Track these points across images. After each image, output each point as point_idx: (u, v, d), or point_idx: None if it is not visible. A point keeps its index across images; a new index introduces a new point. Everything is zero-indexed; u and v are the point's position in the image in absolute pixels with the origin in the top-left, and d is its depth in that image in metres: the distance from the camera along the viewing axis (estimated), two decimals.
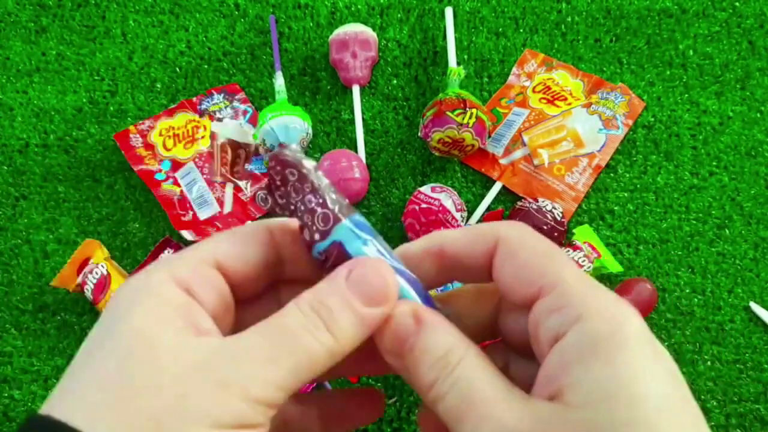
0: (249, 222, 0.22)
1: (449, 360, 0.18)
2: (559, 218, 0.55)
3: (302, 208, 0.21)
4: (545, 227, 0.54)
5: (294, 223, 0.22)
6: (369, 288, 0.18)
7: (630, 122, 0.62)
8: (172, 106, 0.64)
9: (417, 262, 0.21)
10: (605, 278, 0.57)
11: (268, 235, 0.21)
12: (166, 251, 0.55)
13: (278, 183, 0.21)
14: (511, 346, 0.22)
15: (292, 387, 0.17)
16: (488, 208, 0.60)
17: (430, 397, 0.18)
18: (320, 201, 0.20)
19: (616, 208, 0.60)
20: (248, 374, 0.17)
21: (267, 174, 0.21)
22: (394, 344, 0.19)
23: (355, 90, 0.63)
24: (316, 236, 0.20)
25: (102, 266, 0.54)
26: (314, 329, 0.18)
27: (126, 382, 0.16)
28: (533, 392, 0.18)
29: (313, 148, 0.63)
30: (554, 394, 0.17)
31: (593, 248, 0.55)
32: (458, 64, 0.64)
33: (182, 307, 0.18)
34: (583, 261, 0.54)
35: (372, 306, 0.18)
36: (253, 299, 0.22)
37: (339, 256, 0.20)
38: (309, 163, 0.21)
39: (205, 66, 0.67)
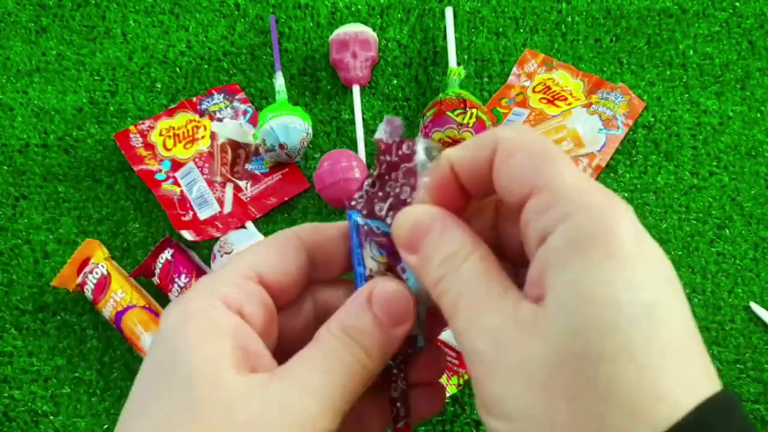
0: (278, 232, 0.22)
1: (456, 258, 0.18)
2: None
3: (395, 197, 0.21)
4: None
5: (323, 226, 0.23)
6: (393, 308, 0.20)
7: (630, 122, 0.62)
8: (172, 106, 0.64)
9: (441, 190, 0.21)
10: None
11: (299, 241, 0.22)
12: (166, 250, 0.55)
13: (384, 169, 0.22)
14: (511, 256, 0.21)
15: (346, 410, 0.19)
16: None
17: (435, 292, 0.19)
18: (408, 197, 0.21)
19: None
20: (310, 411, 0.18)
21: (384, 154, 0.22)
22: (411, 237, 0.19)
23: (355, 90, 0.63)
24: None
25: (102, 266, 0.54)
26: (353, 351, 0.19)
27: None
28: (524, 294, 0.17)
29: (313, 148, 0.63)
30: (538, 297, 0.16)
31: None
32: (458, 64, 0.64)
33: (236, 334, 0.19)
34: None
35: (396, 327, 0.20)
36: (289, 304, 0.23)
37: None
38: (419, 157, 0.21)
39: (205, 66, 0.67)
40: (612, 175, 0.61)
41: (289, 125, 0.57)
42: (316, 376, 0.18)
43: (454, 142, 0.57)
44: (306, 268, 0.22)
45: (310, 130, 0.60)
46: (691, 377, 0.15)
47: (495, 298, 0.17)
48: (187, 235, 0.57)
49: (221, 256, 0.53)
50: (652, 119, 0.63)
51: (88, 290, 0.53)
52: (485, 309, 0.17)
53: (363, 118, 0.63)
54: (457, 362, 0.52)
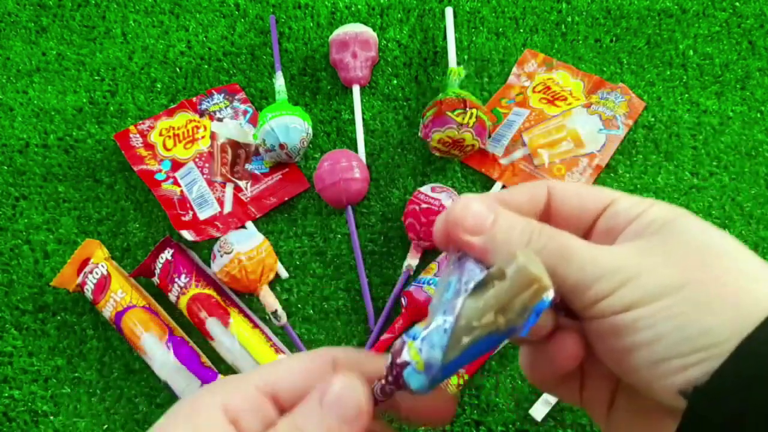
0: (317, 350, 0.22)
1: (534, 226, 0.21)
2: None
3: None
4: None
5: (365, 357, 0.22)
6: (343, 409, 0.19)
7: (630, 122, 0.62)
8: (172, 106, 0.64)
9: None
10: None
11: (331, 365, 0.22)
12: (166, 250, 0.55)
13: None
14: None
15: None
16: None
17: (528, 250, 0.20)
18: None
19: None
20: None
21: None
22: (476, 222, 0.21)
23: (355, 90, 0.63)
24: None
25: (102, 266, 0.54)
26: None
27: None
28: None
29: (313, 148, 0.63)
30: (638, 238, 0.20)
31: None
32: (458, 64, 0.64)
33: None
34: None
35: (347, 424, 0.19)
36: None
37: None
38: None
39: (205, 66, 0.67)
40: (612, 175, 0.61)
41: (289, 125, 0.57)
42: None
43: (454, 142, 0.57)
44: None
45: (310, 130, 0.60)
46: None
47: (596, 246, 0.20)
48: (187, 235, 0.57)
49: (221, 256, 0.53)
50: (652, 119, 0.63)
51: (88, 290, 0.54)
52: (596, 251, 0.20)
53: (363, 118, 0.63)
54: None
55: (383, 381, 0.20)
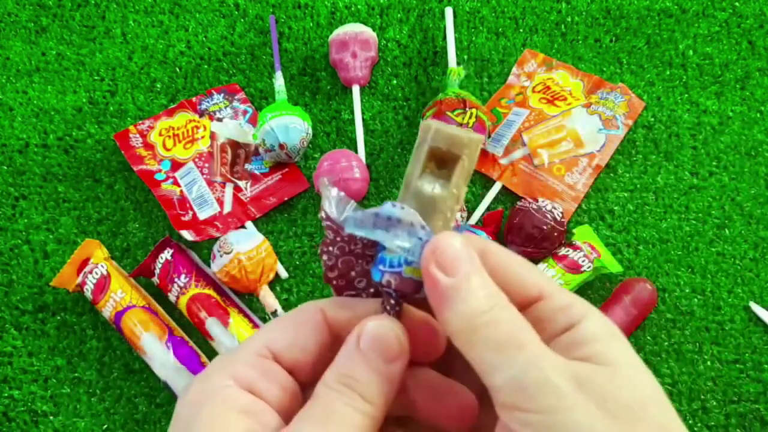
0: (303, 305, 0.22)
1: (500, 300, 0.19)
2: (559, 218, 0.55)
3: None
4: (545, 227, 0.54)
5: (351, 302, 0.22)
6: (383, 347, 0.20)
7: (630, 122, 0.62)
8: (172, 106, 0.64)
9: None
10: (605, 278, 0.57)
11: (321, 316, 0.22)
12: (166, 250, 0.55)
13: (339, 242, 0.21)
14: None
15: None
16: (488, 208, 0.60)
17: (478, 321, 0.19)
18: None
19: (616, 208, 0.60)
20: None
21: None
22: (451, 261, 0.20)
23: (355, 90, 0.63)
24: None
25: (102, 266, 0.54)
26: (350, 401, 0.19)
27: None
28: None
29: (313, 148, 0.63)
30: (578, 359, 0.19)
31: (593, 248, 0.55)
32: (458, 64, 0.64)
33: (250, 411, 0.19)
34: (583, 261, 0.54)
35: (390, 363, 0.20)
36: (316, 380, 0.22)
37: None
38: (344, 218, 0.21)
39: (205, 66, 0.67)
40: (612, 175, 0.61)
41: (288, 125, 0.57)
42: None
43: None
44: (328, 345, 0.22)
45: (310, 130, 0.60)
46: None
47: (547, 348, 0.19)
48: (187, 235, 0.57)
49: (221, 256, 0.53)
50: (652, 119, 0.63)
51: (88, 290, 0.53)
52: (545, 351, 0.19)
53: (363, 118, 0.63)
54: None
55: (386, 301, 0.21)
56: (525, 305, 0.21)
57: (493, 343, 0.18)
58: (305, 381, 0.22)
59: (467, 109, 0.56)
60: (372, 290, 0.22)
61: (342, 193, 0.21)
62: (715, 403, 0.53)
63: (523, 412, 0.18)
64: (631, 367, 0.19)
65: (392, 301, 0.21)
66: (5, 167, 0.62)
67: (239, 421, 0.18)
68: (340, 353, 0.20)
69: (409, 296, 0.21)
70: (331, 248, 0.21)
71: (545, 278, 0.21)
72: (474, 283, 0.19)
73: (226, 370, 0.20)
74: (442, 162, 0.21)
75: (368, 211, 0.20)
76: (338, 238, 0.21)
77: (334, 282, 0.22)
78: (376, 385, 0.19)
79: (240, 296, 0.57)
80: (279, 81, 0.63)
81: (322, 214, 0.21)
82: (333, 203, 0.21)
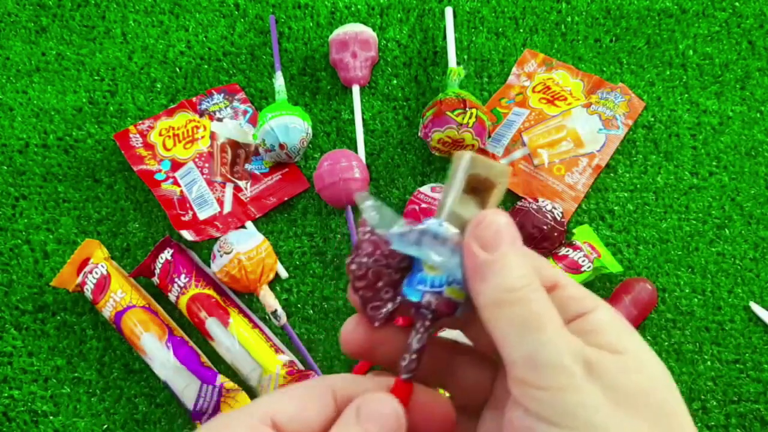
0: (312, 379, 0.23)
1: (534, 278, 0.20)
2: (559, 218, 0.55)
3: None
4: (545, 227, 0.54)
5: (361, 380, 0.22)
6: (380, 422, 0.20)
7: (630, 122, 0.62)
8: (172, 106, 0.64)
9: None
10: (605, 278, 0.57)
11: (329, 391, 0.21)
12: (166, 250, 0.55)
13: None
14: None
15: None
16: None
17: (511, 297, 0.20)
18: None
19: (616, 208, 0.60)
20: None
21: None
22: (493, 238, 0.20)
23: (355, 90, 0.63)
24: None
25: (102, 266, 0.54)
26: None
27: None
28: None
29: (313, 148, 0.63)
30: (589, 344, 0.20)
31: (593, 248, 0.55)
32: (458, 64, 0.64)
33: None
34: (583, 261, 0.54)
35: None
36: None
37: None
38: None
39: (205, 66, 0.67)
40: (612, 175, 0.61)
41: (289, 125, 0.57)
42: None
43: (454, 142, 0.57)
44: (333, 421, 0.21)
45: (310, 130, 0.60)
46: None
47: (563, 329, 0.20)
48: (187, 235, 0.57)
49: (221, 256, 0.53)
50: (652, 119, 0.63)
51: (88, 290, 0.53)
52: (564, 334, 0.19)
53: (363, 118, 0.63)
54: None
55: (411, 353, 0.21)
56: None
57: (518, 319, 0.19)
58: None
59: (467, 109, 0.56)
60: (398, 300, 0.22)
61: (383, 206, 0.21)
62: (715, 403, 0.53)
63: (534, 389, 0.19)
64: (640, 356, 0.20)
65: (427, 323, 0.21)
66: (5, 167, 0.62)
67: None
68: (336, 424, 0.20)
69: (445, 316, 0.21)
70: (365, 260, 0.21)
71: (559, 271, 0.22)
72: (511, 260, 0.20)
73: (222, 430, 0.19)
74: (474, 190, 0.22)
75: (415, 228, 0.20)
76: (378, 251, 0.21)
77: (361, 293, 0.22)
78: None
79: (240, 296, 0.57)
80: (279, 81, 0.63)
81: (366, 228, 0.21)
82: (377, 217, 0.21)
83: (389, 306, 0.22)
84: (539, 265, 0.21)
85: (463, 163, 0.21)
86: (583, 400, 0.18)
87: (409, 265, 0.22)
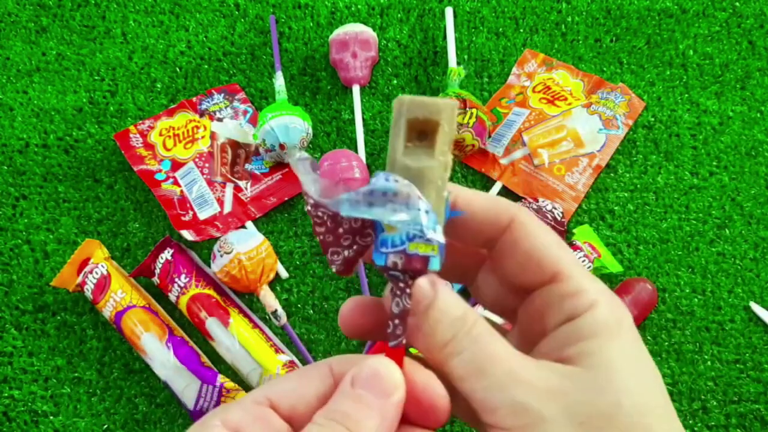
0: (313, 363, 0.23)
1: (466, 320, 0.20)
2: (559, 218, 0.55)
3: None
4: None
5: (357, 357, 0.22)
6: (374, 381, 0.19)
7: (630, 122, 0.62)
8: (172, 106, 0.64)
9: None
10: (605, 278, 0.57)
11: (327, 369, 0.21)
12: (166, 250, 0.55)
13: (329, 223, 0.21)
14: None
15: None
16: None
17: (444, 353, 0.20)
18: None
19: (616, 208, 0.60)
20: None
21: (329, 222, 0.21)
22: (414, 304, 0.20)
23: (355, 90, 0.63)
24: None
25: (102, 266, 0.54)
26: None
27: None
28: (534, 355, 0.20)
29: (313, 148, 0.63)
30: (564, 359, 0.19)
31: (593, 248, 0.55)
32: (458, 64, 0.64)
33: None
34: (583, 261, 0.54)
35: (383, 397, 0.19)
36: None
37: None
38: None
39: (205, 66, 0.67)
40: (612, 175, 0.61)
41: (289, 125, 0.57)
42: None
43: (455, 142, 0.57)
44: (331, 395, 0.21)
45: (310, 130, 0.60)
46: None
47: (519, 358, 0.19)
48: (187, 235, 0.57)
49: (221, 256, 0.53)
50: (652, 119, 0.63)
51: (88, 290, 0.53)
52: (516, 366, 0.19)
53: (363, 118, 0.63)
54: None
55: (393, 319, 0.20)
56: (538, 285, 0.21)
57: (460, 370, 0.19)
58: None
59: (467, 109, 0.56)
60: (355, 248, 0.21)
61: (318, 173, 0.20)
62: (715, 403, 0.53)
63: (501, 430, 0.19)
64: (620, 371, 0.19)
65: (401, 284, 0.20)
66: (5, 167, 0.62)
67: None
68: (333, 395, 0.20)
69: (419, 274, 0.20)
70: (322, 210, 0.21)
71: (567, 257, 0.21)
72: (431, 316, 0.20)
73: (218, 415, 0.20)
74: (422, 134, 0.21)
75: (362, 190, 0.19)
76: (330, 217, 0.21)
77: (321, 238, 0.21)
78: (366, 418, 0.19)
79: (240, 296, 0.57)
80: (279, 81, 0.63)
81: (310, 202, 0.20)
82: (318, 187, 0.20)
83: (346, 253, 0.21)
84: (540, 252, 0.20)
85: (400, 108, 0.20)
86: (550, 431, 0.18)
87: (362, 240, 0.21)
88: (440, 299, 0.20)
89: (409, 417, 0.20)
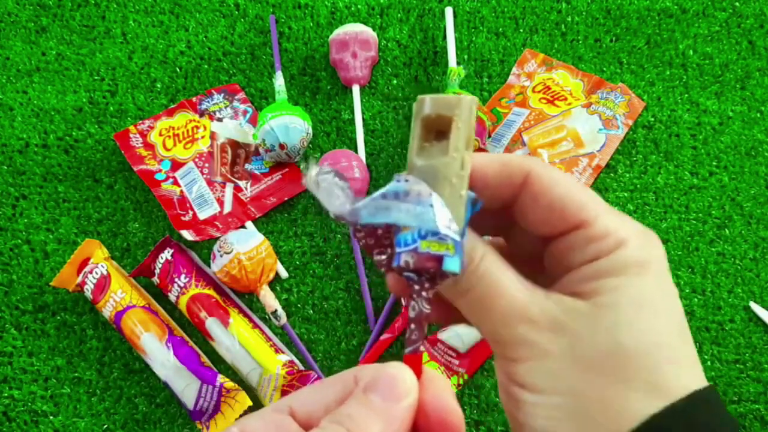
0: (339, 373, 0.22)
1: (473, 257, 0.20)
2: None
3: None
4: None
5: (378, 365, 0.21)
6: (383, 386, 0.19)
7: (630, 122, 0.62)
8: (172, 106, 0.64)
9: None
10: None
11: (351, 377, 0.21)
12: (166, 250, 0.55)
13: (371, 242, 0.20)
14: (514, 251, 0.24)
15: None
16: None
17: (452, 291, 0.20)
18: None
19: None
20: None
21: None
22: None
23: (355, 90, 0.63)
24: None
25: (102, 266, 0.54)
26: None
27: None
28: (554, 288, 0.20)
29: (313, 148, 0.63)
30: (580, 293, 0.19)
31: None
32: (458, 64, 0.64)
33: None
34: None
35: (391, 402, 0.19)
36: None
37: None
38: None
39: (205, 66, 0.67)
40: (612, 175, 0.61)
41: (289, 125, 0.57)
42: None
43: None
44: None
45: (310, 130, 0.60)
46: (696, 377, 0.19)
47: (527, 291, 0.20)
48: (187, 235, 0.57)
49: (221, 256, 0.53)
50: (652, 119, 0.63)
51: (88, 290, 0.53)
52: (522, 300, 0.19)
53: (363, 118, 0.63)
54: (457, 362, 0.52)
55: (410, 323, 0.20)
56: (565, 233, 0.21)
57: (468, 308, 0.20)
58: None
59: None
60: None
61: (338, 181, 0.20)
62: None
63: (507, 361, 0.19)
64: (627, 308, 0.18)
65: (417, 287, 0.19)
66: (5, 167, 0.62)
67: None
68: (346, 401, 0.19)
69: (435, 275, 0.19)
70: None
71: (591, 201, 0.20)
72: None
73: (239, 423, 0.20)
74: (441, 134, 0.20)
75: (376, 195, 0.19)
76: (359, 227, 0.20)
77: (362, 243, 0.20)
78: (370, 423, 0.18)
79: (240, 296, 0.57)
80: (279, 81, 0.63)
81: (332, 214, 0.20)
82: (337, 197, 0.19)
83: (390, 251, 0.20)
84: (561, 202, 0.20)
85: (416, 107, 0.20)
86: (550, 366, 0.19)
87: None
88: (431, 391, 0.20)
89: (421, 429, 0.20)
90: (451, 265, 0.19)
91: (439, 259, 0.19)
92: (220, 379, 0.50)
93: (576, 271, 0.20)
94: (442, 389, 0.20)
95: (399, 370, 0.19)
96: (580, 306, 0.19)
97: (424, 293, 0.19)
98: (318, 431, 0.18)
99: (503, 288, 0.20)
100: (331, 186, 0.20)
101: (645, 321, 0.18)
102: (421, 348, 0.20)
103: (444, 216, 0.19)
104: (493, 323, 0.19)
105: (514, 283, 0.20)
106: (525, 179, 0.21)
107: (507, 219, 0.23)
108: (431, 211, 0.19)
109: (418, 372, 0.20)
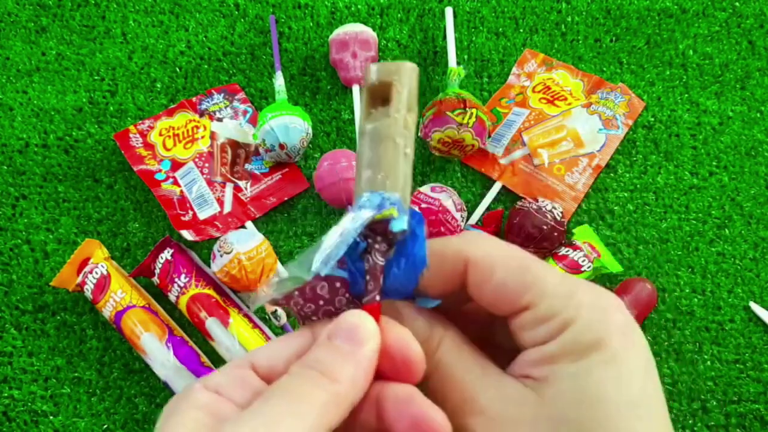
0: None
1: (430, 344, 0.21)
2: (559, 218, 0.55)
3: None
4: (545, 227, 0.54)
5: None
6: (348, 331, 0.20)
7: (630, 122, 0.62)
8: (172, 106, 0.64)
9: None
10: (605, 278, 0.57)
11: (308, 332, 0.22)
12: (166, 250, 0.55)
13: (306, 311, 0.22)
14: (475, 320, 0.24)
15: None
16: (488, 208, 0.60)
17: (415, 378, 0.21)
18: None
19: (616, 208, 0.60)
20: None
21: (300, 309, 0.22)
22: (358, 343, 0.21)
23: (355, 90, 0.63)
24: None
25: (102, 266, 0.54)
26: (313, 380, 0.19)
27: None
28: (510, 368, 0.20)
29: (313, 148, 0.63)
30: (531, 377, 0.19)
31: (593, 248, 0.55)
32: (458, 64, 0.64)
33: (206, 406, 0.19)
34: (583, 261, 0.54)
35: (357, 345, 0.19)
36: None
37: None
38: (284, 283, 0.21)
39: (205, 66, 0.67)
40: (612, 175, 0.61)
41: (289, 125, 0.57)
42: (281, 412, 0.18)
43: (454, 142, 0.57)
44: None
45: (310, 130, 0.60)
46: None
47: (478, 380, 0.20)
48: (187, 235, 0.57)
49: (221, 256, 0.53)
50: (652, 119, 0.63)
51: (88, 290, 0.53)
52: (472, 392, 0.20)
53: None
54: None
55: (365, 275, 0.21)
56: (514, 313, 0.20)
57: (430, 393, 0.20)
58: None
59: (467, 109, 0.56)
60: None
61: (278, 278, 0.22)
62: (715, 403, 0.53)
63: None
64: (573, 403, 0.18)
65: (372, 242, 0.21)
66: (5, 167, 0.62)
67: (191, 412, 0.19)
68: (310, 349, 0.20)
69: (386, 233, 0.20)
70: (309, 310, 0.22)
71: (536, 279, 0.20)
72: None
73: (202, 381, 0.20)
74: (386, 101, 0.21)
75: (329, 242, 0.21)
76: (318, 300, 0.21)
77: (301, 312, 0.22)
78: (341, 365, 0.19)
79: (240, 296, 0.57)
80: (279, 81, 0.63)
81: (292, 301, 0.21)
82: (286, 282, 0.21)
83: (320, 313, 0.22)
84: (503, 293, 0.20)
85: (364, 77, 0.21)
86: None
87: (352, 290, 0.21)
88: (392, 335, 0.20)
89: (385, 374, 0.20)
90: (397, 225, 0.20)
91: (386, 222, 0.20)
92: None
93: (529, 352, 0.20)
94: (403, 332, 0.20)
95: (359, 317, 0.20)
96: (527, 396, 0.19)
97: (377, 246, 0.21)
98: (288, 377, 0.19)
99: (456, 379, 0.20)
100: (280, 285, 0.21)
101: (587, 416, 0.18)
102: (377, 298, 0.21)
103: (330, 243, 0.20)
104: (448, 412, 0.19)
105: (468, 372, 0.20)
106: (465, 267, 0.21)
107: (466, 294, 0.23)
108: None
109: (377, 319, 0.21)
